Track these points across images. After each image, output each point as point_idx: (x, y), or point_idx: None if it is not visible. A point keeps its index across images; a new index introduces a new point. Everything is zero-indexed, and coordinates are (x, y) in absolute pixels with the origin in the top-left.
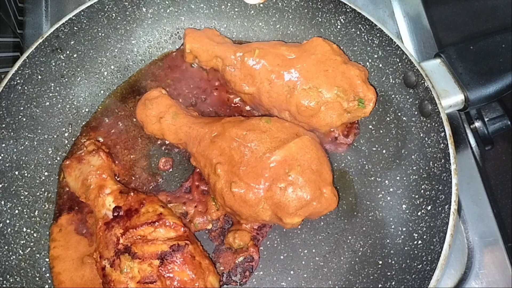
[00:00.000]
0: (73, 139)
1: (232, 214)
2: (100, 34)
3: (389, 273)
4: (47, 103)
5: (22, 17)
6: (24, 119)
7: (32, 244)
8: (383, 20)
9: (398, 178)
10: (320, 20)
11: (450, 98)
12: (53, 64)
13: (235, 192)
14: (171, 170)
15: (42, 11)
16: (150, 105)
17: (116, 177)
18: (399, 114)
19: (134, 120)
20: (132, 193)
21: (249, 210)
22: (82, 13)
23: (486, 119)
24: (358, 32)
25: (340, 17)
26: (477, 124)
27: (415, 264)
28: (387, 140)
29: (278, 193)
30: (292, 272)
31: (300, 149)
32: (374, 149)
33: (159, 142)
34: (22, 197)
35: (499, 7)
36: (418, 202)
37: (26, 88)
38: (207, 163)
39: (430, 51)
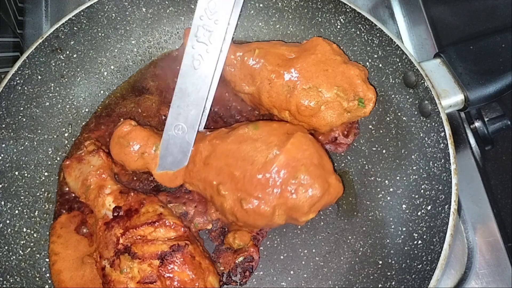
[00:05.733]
0: (73, 139)
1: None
2: (100, 34)
3: (389, 273)
4: (47, 103)
5: (22, 17)
6: (24, 119)
7: (32, 244)
8: (383, 20)
9: (398, 178)
10: (320, 20)
11: (450, 98)
12: (53, 64)
13: (247, 208)
14: None
15: (42, 11)
16: (125, 143)
17: (116, 177)
18: (399, 114)
19: (134, 119)
20: (132, 193)
21: (264, 221)
22: (82, 13)
23: (486, 119)
24: (358, 32)
25: (340, 17)
26: (477, 124)
27: (415, 264)
28: (387, 140)
29: (291, 197)
30: (292, 272)
31: (298, 147)
32: (374, 149)
33: None
34: (22, 197)
35: (499, 7)
36: (418, 202)
37: (26, 88)
38: (206, 186)
39: (430, 51)
